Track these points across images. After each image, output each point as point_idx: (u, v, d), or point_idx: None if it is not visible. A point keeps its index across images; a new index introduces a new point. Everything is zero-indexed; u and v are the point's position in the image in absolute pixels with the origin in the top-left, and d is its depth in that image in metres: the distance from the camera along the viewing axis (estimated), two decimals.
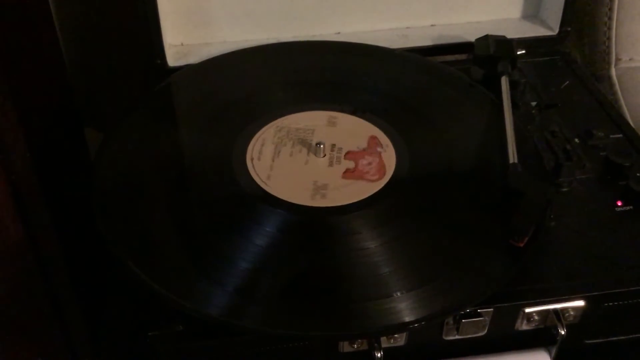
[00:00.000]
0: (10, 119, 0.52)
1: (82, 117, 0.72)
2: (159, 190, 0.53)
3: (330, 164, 0.54)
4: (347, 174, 0.53)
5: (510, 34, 0.65)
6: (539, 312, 0.47)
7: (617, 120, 0.61)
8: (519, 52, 0.63)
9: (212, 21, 0.67)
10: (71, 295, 0.61)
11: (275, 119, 0.58)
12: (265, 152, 0.55)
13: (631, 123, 0.63)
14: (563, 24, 0.69)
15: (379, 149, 0.54)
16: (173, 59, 0.66)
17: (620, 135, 0.59)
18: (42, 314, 0.59)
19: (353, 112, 0.58)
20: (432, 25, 0.71)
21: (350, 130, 0.57)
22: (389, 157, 0.54)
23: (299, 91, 0.62)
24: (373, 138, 0.55)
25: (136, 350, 0.49)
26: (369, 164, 0.53)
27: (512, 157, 0.51)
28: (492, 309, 0.46)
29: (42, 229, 0.57)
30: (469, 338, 0.47)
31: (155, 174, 0.54)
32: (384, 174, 0.52)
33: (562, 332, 0.47)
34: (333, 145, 0.55)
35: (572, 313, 0.47)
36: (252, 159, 0.54)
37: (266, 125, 0.57)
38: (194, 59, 0.66)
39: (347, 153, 0.54)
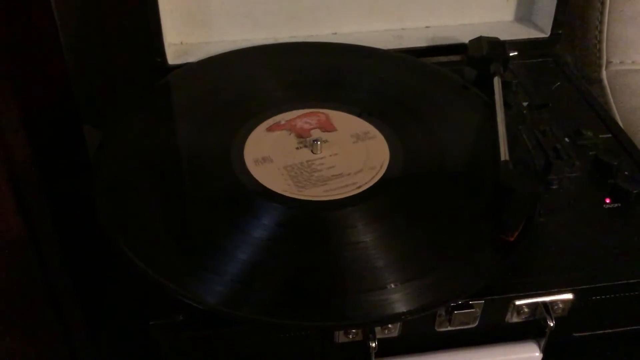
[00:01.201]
0: (11, 115, 0.53)
1: (81, 115, 0.73)
2: (158, 185, 0.54)
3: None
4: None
5: (503, 36, 0.66)
6: (528, 305, 0.48)
7: (606, 121, 0.62)
8: (511, 54, 0.64)
9: (212, 21, 0.68)
10: (70, 289, 0.62)
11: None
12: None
13: (621, 125, 0.65)
14: (555, 26, 0.70)
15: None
16: (172, 58, 0.67)
17: (609, 135, 0.60)
18: (40, 306, 0.60)
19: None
20: (426, 27, 0.72)
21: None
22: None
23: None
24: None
25: (136, 341, 0.50)
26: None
27: (504, 154, 0.53)
28: (483, 301, 0.47)
29: (41, 224, 0.57)
30: (461, 330, 0.48)
31: (153, 169, 0.55)
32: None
33: (551, 324, 0.48)
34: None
35: (560, 306, 0.48)
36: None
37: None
38: (193, 57, 0.67)
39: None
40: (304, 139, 0.57)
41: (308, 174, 0.53)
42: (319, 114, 0.59)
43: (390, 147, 0.56)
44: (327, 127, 0.58)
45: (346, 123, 0.59)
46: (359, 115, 0.59)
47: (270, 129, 0.57)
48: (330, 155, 0.55)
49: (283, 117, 0.59)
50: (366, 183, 0.52)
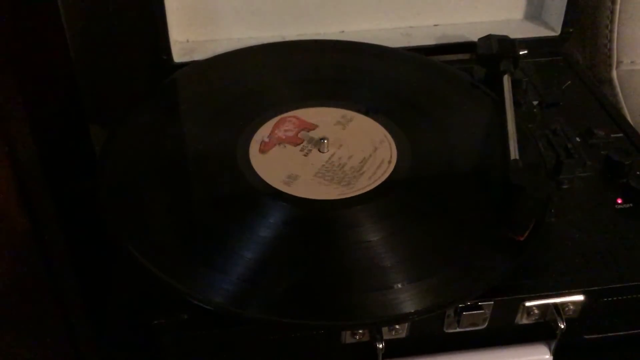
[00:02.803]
0: (17, 113, 0.52)
1: (87, 113, 0.73)
2: (164, 183, 0.53)
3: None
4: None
5: (513, 34, 0.66)
6: (539, 306, 0.47)
7: (618, 120, 0.61)
8: (521, 52, 0.64)
9: (218, 18, 0.68)
10: (75, 286, 0.62)
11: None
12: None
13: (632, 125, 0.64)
14: (565, 25, 0.70)
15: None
16: (178, 55, 0.66)
17: (621, 135, 0.59)
18: (45, 303, 0.60)
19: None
20: (435, 25, 0.72)
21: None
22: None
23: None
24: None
25: (140, 339, 0.49)
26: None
27: (514, 153, 0.52)
28: (492, 302, 0.46)
29: (46, 222, 0.57)
30: (470, 331, 0.48)
31: (160, 168, 0.55)
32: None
33: (562, 326, 0.47)
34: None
35: (571, 307, 0.47)
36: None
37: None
38: (199, 55, 0.67)
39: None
40: (300, 144, 0.56)
41: (339, 170, 0.53)
42: (289, 118, 0.58)
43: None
44: (308, 126, 0.57)
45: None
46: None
47: (262, 151, 0.55)
48: (339, 148, 0.55)
49: (264, 134, 0.57)
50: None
